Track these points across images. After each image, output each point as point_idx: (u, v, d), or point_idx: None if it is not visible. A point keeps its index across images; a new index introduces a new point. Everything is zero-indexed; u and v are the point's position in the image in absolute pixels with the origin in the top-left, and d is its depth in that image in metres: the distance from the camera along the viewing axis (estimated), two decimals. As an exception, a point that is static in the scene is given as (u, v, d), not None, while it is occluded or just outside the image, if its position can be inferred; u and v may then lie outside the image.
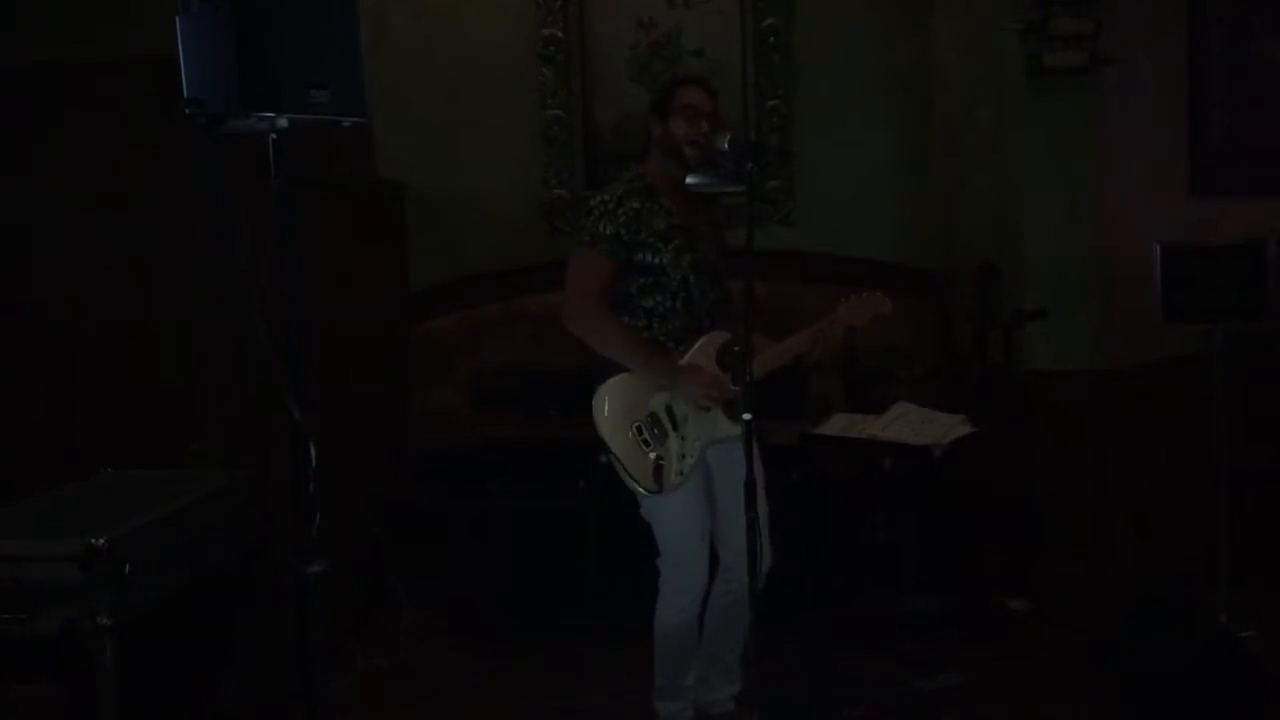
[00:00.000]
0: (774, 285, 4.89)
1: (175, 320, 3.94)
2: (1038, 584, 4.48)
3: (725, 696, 3.57)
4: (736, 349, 3.04)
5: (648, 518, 3.34)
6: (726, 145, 3.10)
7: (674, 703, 3.49)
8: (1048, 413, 4.55)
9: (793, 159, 5.38)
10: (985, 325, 4.58)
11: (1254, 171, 4.72)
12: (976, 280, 4.61)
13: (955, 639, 4.22)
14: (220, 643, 3.27)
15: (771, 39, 5.39)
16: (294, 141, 2.34)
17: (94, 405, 3.99)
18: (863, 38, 5.42)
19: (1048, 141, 4.53)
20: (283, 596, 3.25)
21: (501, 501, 4.56)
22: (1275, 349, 4.53)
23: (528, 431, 4.72)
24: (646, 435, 3.22)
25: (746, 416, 2.87)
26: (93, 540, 2.61)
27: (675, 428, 3.27)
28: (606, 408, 3.22)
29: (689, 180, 3.39)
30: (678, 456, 3.25)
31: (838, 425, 3.90)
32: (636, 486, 3.21)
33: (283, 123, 2.29)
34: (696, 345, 3.31)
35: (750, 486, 2.87)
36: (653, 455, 3.21)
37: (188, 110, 2.23)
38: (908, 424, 3.73)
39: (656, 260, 3.29)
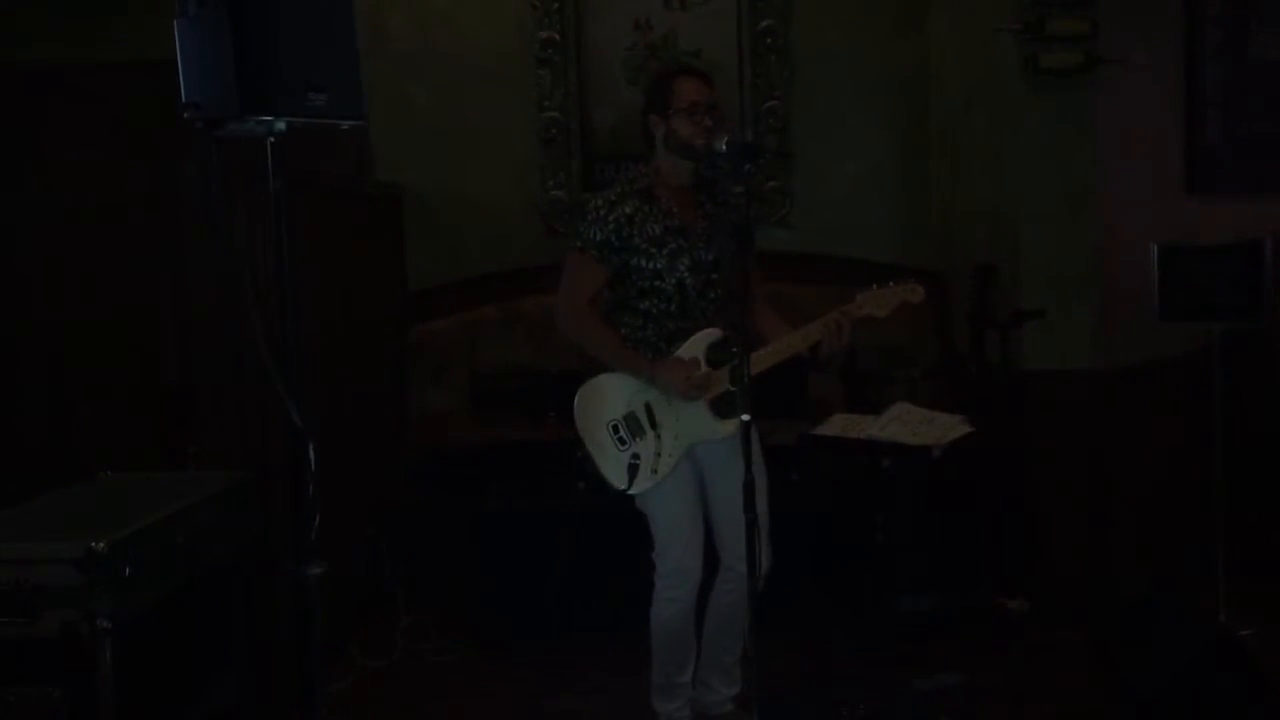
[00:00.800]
0: (771, 286, 4.86)
1: (174, 323, 3.94)
2: (1036, 584, 4.48)
3: (724, 698, 3.57)
4: (734, 349, 3.03)
5: (643, 509, 3.38)
6: (724, 146, 3.10)
7: (671, 702, 3.49)
8: (1046, 412, 4.55)
9: (790, 160, 5.38)
10: (983, 325, 4.58)
11: (1251, 171, 4.73)
12: (974, 280, 4.61)
13: (954, 639, 4.23)
14: (219, 645, 3.27)
15: (769, 40, 5.39)
16: (292, 144, 2.34)
17: (93, 408, 3.99)
18: (860, 39, 5.42)
19: (1044, 142, 4.54)
20: (282, 598, 3.27)
21: (499, 503, 4.57)
22: (1272, 348, 4.53)
23: (525, 433, 4.72)
24: (623, 433, 3.29)
25: (745, 417, 2.87)
26: (92, 543, 2.62)
27: (653, 427, 3.30)
28: (584, 405, 3.31)
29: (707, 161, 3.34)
30: (653, 455, 3.29)
31: (836, 426, 3.89)
32: (609, 481, 3.30)
33: (280, 125, 2.29)
34: (687, 342, 3.32)
35: (749, 487, 2.87)
36: (627, 453, 3.28)
37: (185, 113, 2.23)
38: (906, 424, 3.73)
39: (650, 265, 3.31)
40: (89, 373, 3.99)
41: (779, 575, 3.37)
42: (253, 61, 2.17)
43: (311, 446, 2.33)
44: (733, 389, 3.01)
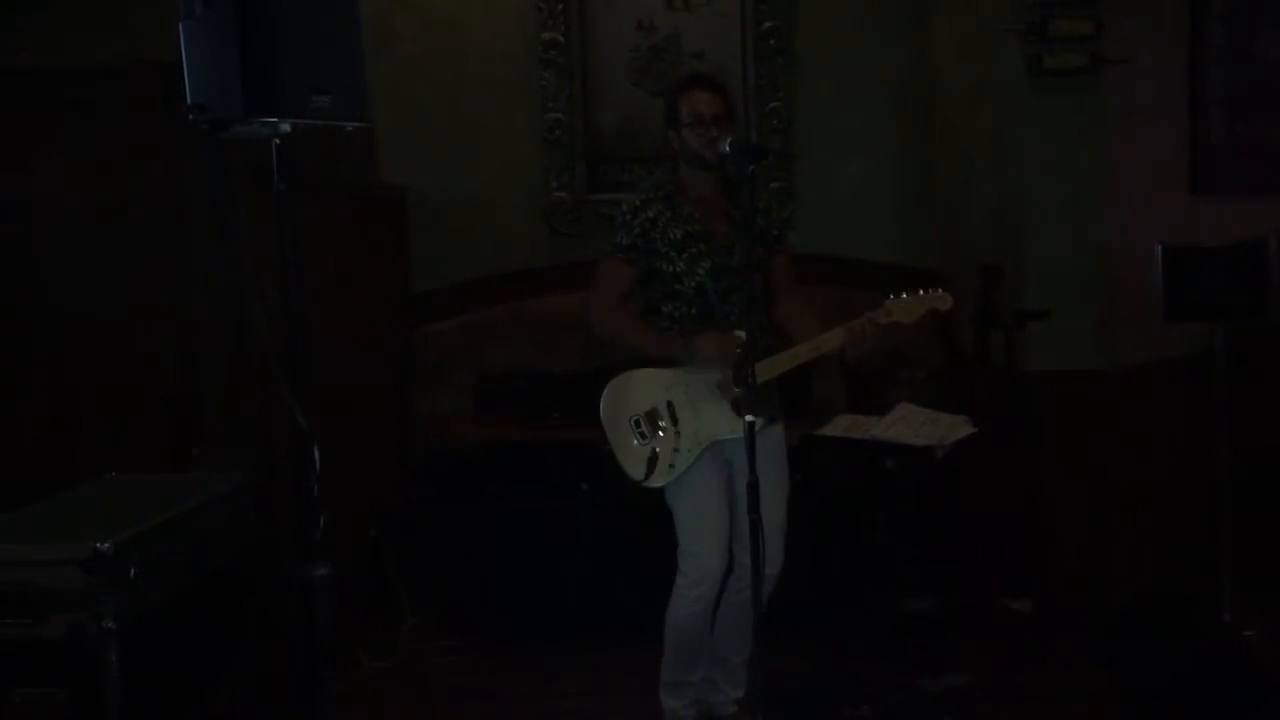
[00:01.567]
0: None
1: (178, 324, 3.95)
2: (1040, 585, 4.47)
3: (729, 699, 3.57)
4: (745, 349, 3.04)
5: (670, 506, 3.43)
6: (728, 148, 3.11)
7: (678, 699, 3.52)
8: (1050, 413, 4.54)
9: (794, 161, 5.38)
10: (987, 326, 4.58)
11: (1255, 170, 4.71)
12: (978, 281, 4.60)
13: (957, 639, 4.23)
14: (224, 645, 3.27)
15: (772, 41, 5.39)
16: (296, 146, 2.34)
17: (97, 410, 4.00)
18: (863, 39, 5.42)
19: (1048, 142, 4.54)
20: (286, 599, 3.27)
21: (503, 504, 4.57)
22: (1276, 348, 4.53)
23: (529, 434, 4.73)
24: (644, 428, 3.35)
25: (749, 418, 2.88)
26: (97, 544, 2.62)
27: (674, 423, 3.35)
28: (611, 398, 3.38)
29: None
30: (670, 450, 3.34)
31: (840, 426, 3.90)
32: (628, 473, 3.35)
33: (285, 127, 2.30)
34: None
35: (753, 488, 2.88)
36: (646, 447, 3.34)
37: (191, 116, 2.24)
38: (910, 425, 3.73)
39: (671, 269, 3.39)
40: (93, 374, 4.00)
41: (783, 575, 3.41)
42: (258, 63, 2.18)
43: (315, 447, 2.33)
44: (754, 386, 3.00)
